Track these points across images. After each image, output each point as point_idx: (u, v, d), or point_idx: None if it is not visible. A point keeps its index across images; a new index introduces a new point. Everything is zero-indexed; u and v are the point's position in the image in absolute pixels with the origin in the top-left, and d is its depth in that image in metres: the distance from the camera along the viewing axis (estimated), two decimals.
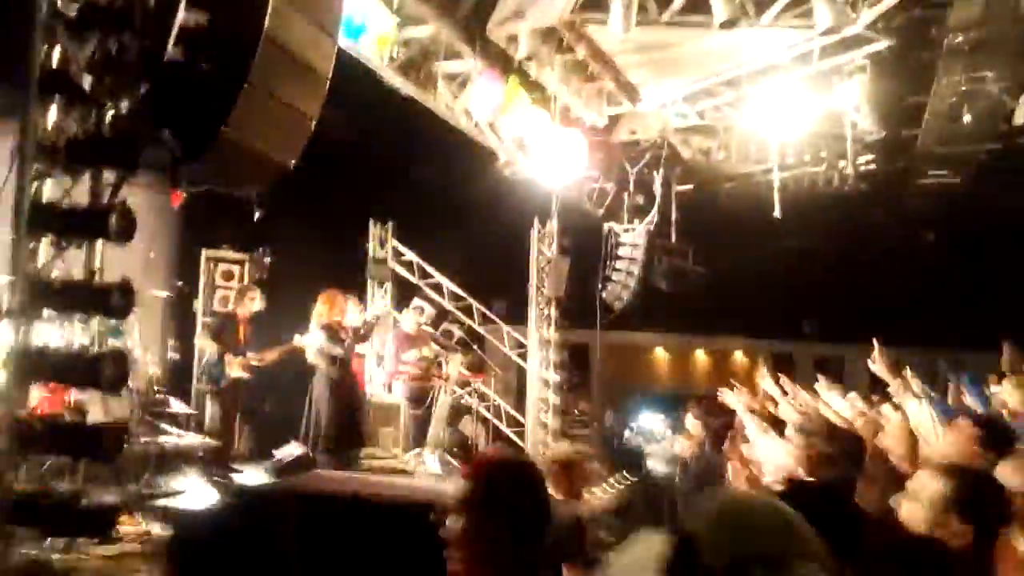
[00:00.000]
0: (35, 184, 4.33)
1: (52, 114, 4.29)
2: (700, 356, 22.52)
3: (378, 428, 9.34)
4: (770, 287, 16.41)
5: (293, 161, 5.01)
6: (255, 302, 8.28)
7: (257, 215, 7.02)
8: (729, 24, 7.36)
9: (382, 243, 11.83)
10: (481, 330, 12.21)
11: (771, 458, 4.88)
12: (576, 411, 13.49)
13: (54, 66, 4.25)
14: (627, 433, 14.13)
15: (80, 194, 4.48)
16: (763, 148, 10.68)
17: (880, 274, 16.14)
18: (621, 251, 12.06)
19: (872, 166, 11.21)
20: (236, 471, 7.93)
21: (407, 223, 11.77)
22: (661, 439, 13.41)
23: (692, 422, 12.48)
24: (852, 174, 10.87)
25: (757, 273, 15.54)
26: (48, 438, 4.33)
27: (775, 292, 16.79)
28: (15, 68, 4.12)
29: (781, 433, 6.89)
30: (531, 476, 2.18)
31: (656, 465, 12.73)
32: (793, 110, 9.23)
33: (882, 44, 8.23)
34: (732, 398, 6.90)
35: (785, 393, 7.17)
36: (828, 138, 10.25)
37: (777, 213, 10.39)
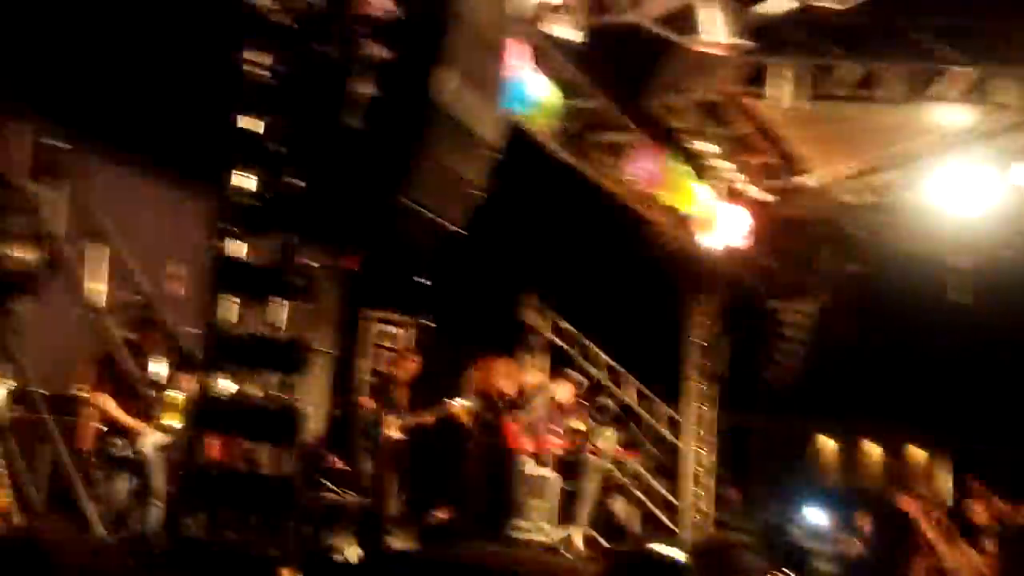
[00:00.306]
0: (226, 243, 4.70)
1: (247, 180, 4.66)
2: (871, 448, 21.04)
3: (527, 500, 9.25)
4: (952, 378, 15.25)
5: (459, 228, 5.19)
6: (415, 365, 8.55)
7: (421, 280, 7.28)
8: (902, 99, 7.14)
9: (540, 312, 11.96)
10: (636, 406, 11.99)
11: (963, 570, 4.47)
12: (735, 499, 12.89)
13: (250, 133, 4.64)
14: (791, 528, 13.29)
15: (265, 254, 4.83)
16: (939, 229, 10.09)
17: None
18: (785, 331, 11.61)
19: None
20: (388, 532, 8.07)
21: (566, 293, 11.85)
22: (827, 537, 12.60)
23: (863, 521, 11.73)
24: None
25: (937, 362, 14.50)
26: (222, 487, 4.57)
27: (959, 384, 15.57)
28: (215, 135, 4.53)
29: (973, 541, 6.30)
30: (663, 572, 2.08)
31: (823, 566, 11.96)
32: (973, 190, 8.69)
33: None
34: (910, 504, 6.42)
35: (973, 497, 6.64)
36: (1017, 220, 9.55)
37: (958, 297, 9.74)
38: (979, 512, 7.45)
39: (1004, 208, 9.01)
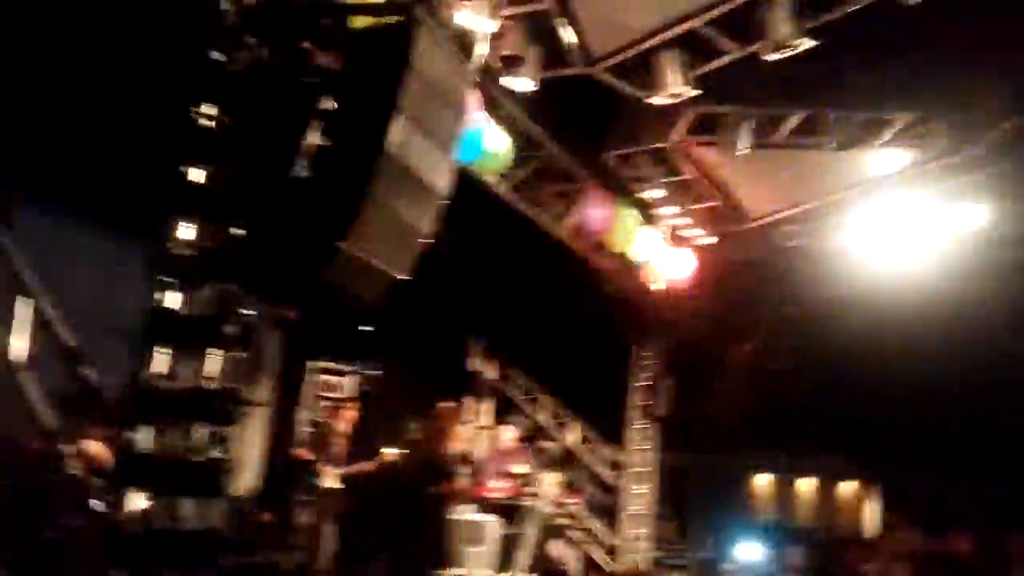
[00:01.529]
0: (162, 295, 4.48)
1: (185, 229, 4.46)
2: (804, 485, 21.36)
3: (466, 546, 9.06)
4: (884, 415, 15.58)
5: (405, 275, 5.06)
6: (354, 415, 8.38)
7: (364, 328, 7.11)
8: (844, 146, 7.28)
9: (485, 357, 11.83)
10: (577, 449, 11.92)
11: None
12: (673, 538, 12.91)
13: (193, 183, 4.45)
14: (728, 566, 13.39)
15: (201, 305, 4.61)
16: (876, 270, 10.32)
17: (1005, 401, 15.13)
18: (726, 372, 11.72)
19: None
20: None
21: (511, 338, 11.76)
22: (761, 572, 12.75)
23: (795, 556, 11.89)
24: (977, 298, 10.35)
25: (870, 401, 14.80)
26: (144, 546, 4.34)
27: (889, 421, 15.91)
28: (156, 187, 4.33)
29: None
30: None
31: None
32: (912, 231, 8.91)
33: (1005, 166, 7.93)
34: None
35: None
36: (953, 261, 9.82)
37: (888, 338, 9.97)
38: (905, 542, 7.61)
39: (937, 249, 9.28)
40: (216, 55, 4.37)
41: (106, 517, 4.37)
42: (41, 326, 4.55)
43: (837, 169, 8.36)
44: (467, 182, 6.57)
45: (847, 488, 21.25)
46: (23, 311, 4.55)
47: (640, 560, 11.26)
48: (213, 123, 4.37)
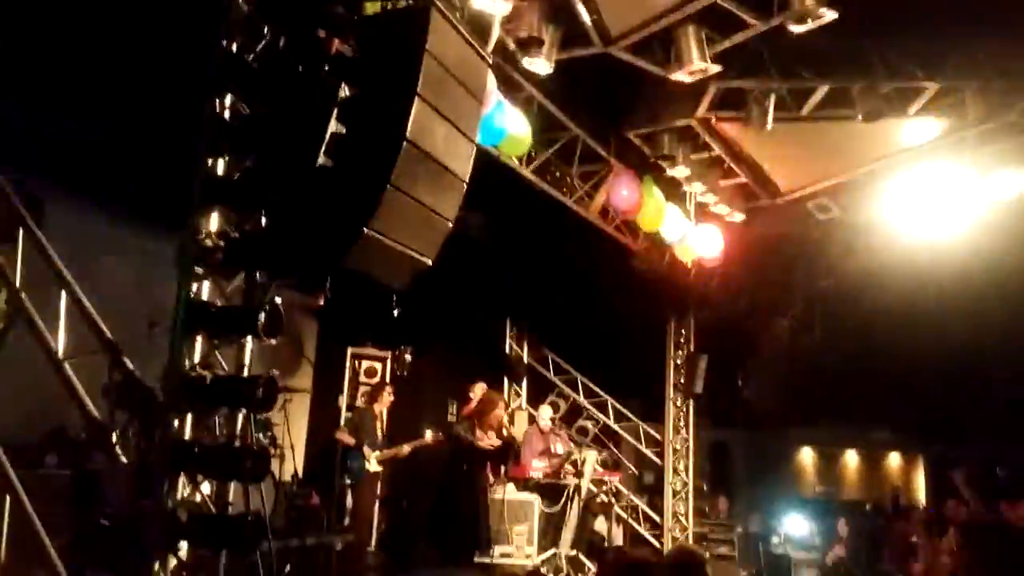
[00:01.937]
0: (194, 286, 4.62)
1: (213, 220, 4.59)
2: (851, 458, 21.18)
3: (511, 526, 9.19)
4: (927, 385, 15.36)
5: (431, 260, 5.13)
6: (390, 398, 8.54)
7: (396, 313, 7.24)
8: (872, 116, 7.18)
9: (518, 340, 11.96)
10: (617, 427, 11.99)
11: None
12: (717, 513, 12.92)
13: (219, 175, 4.57)
14: (774, 539, 13.33)
15: (233, 294, 4.75)
16: (912, 241, 10.18)
17: None
18: (762, 348, 11.66)
19: None
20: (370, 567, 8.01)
21: (543, 320, 11.85)
22: (810, 546, 12.67)
23: (843, 528, 11.80)
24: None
25: (911, 369, 14.60)
26: (191, 530, 4.47)
27: (933, 390, 15.68)
28: (185, 179, 4.46)
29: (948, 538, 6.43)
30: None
31: (805, 573, 12.01)
32: (946, 201, 8.77)
33: None
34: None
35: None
36: (989, 230, 9.64)
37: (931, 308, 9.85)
38: (953, 512, 7.54)
39: (973, 218, 9.12)
40: (233, 45, 4.47)
41: (155, 504, 4.49)
42: (79, 319, 4.69)
43: (868, 141, 8.23)
44: (493, 166, 6.64)
45: (893, 459, 21.04)
46: (61, 304, 4.70)
47: (685, 536, 11.29)
48: (234, 114, 4.47)
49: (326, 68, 4.50)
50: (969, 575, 4.00)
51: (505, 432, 9.08)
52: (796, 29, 5.74)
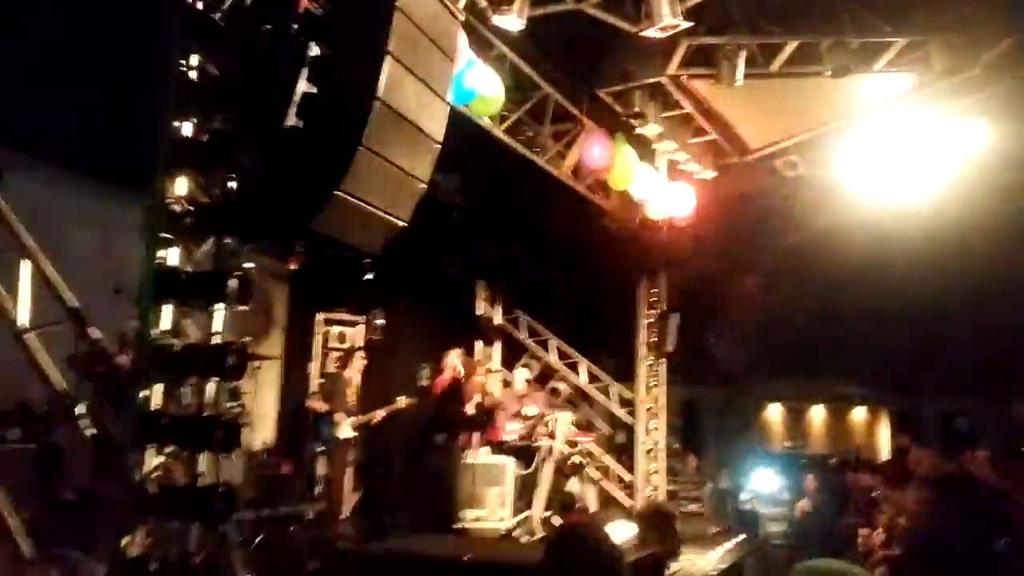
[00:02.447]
0: (162, 252, 4.49)
1: (180, 184, 4.45)
2: (817, 413, 21.58)
3: (485, 489, 9.21)
4: (892, 340, 15.63)
5: (404, 221, 5.06)
6: (363, 363, 8.45)
7: (368, 276, 7.15)
8: (840, 72, 7.18)
9: (491, 302, 11.91)
10: (589, 388, 12.04)
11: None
12: (688, 471, 13.08)
13: (186, 137, 4.43)
14: (743, 495, 13.56)
15: (202, 260, 4.64)
16: (878, 196, 10.28)
17: (1012, 325, 15.17)
18: (731, 306, 11.75)
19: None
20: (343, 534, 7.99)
21: (515, 282, 11.81)
22: (778, 501, 12.89)
23: (811, 483, 12.02)
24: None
25: (876, 325, 14.84)
26: (161, 501, 4.40)
27: (898, 346, 15.97)
28: (149, 141, 4.31)
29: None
30: (599, 544, 2.29)
31: (773, 527, 12.25)
32: (913, 156, 8.84)
33: (1005, 85, 7.83)
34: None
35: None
36: (955, 184, 9.77)
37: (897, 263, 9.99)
38: (915, 463, 7.71)
39: (939, 173, 9.22)
40: (198, 3, 4.31)
41: (123, 475, 4.41)
42: (43, 288, 4.55)
43: (835, 97, 8.27)
44: (464, 125, 6.54)
45: (858, 414, 21.49)
46: (24, 273, 4.56)
47: (657, 494, 11.42)
48: (201, 74, 4.33)
49: (295, 26, 4.37)
50: (931, 524, 4.08)
51: (487, 400, 9.05)
52: None
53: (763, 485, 13.61)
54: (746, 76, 7.07)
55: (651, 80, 7.46)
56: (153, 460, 4.54)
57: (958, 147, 8.54)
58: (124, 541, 4.27)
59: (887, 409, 21.09)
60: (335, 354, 9.30)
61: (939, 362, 17.37)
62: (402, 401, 8.50)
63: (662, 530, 4.26)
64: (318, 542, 7.48)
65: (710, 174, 9.10)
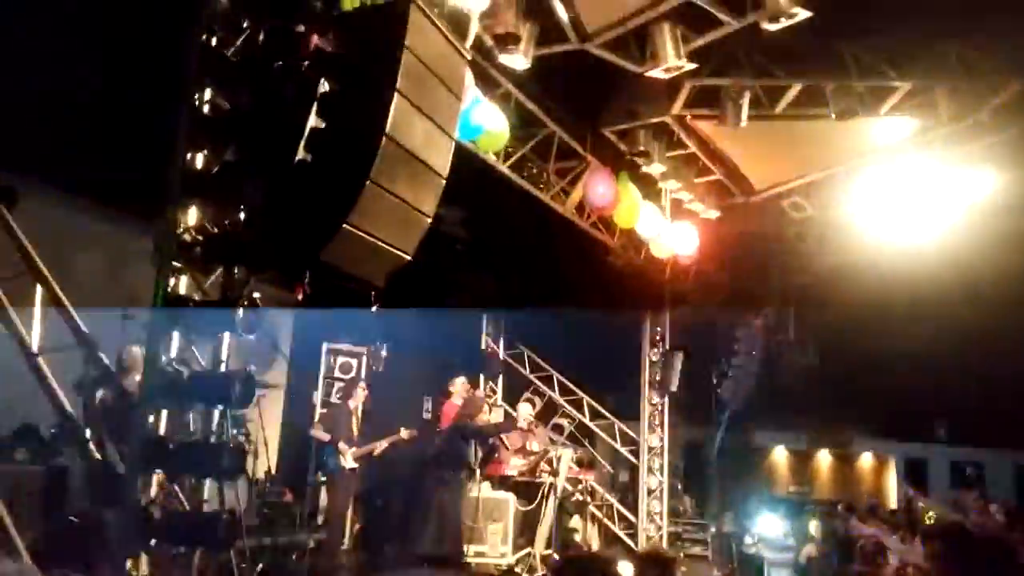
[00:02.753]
0: (171, 280, 4.58)
1: (191, 214, 4.56)
2: (824, 458, 21.40)
3: (486, 524, 9.19)
4: (900, 386, 15.55)
5: (408, 254, 5.13)
6: (365, 394, 8.52)
7: (374, 308, 7.21)
8: (845, 115, 7.27)
9: (495, 337, 11.97)
10: (592, 425, 12.02)
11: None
12: (691, 512, 12.98)
13: (197, 169, 4.54)
14: (747, 539, 13.42)
15: (211, 289, 4.72)
16: (885, 239, 10.31)
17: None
18: (737, 346, 11.75)
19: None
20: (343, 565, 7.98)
21: (520, 317, 11.87)
22: (783, 546, 12.76)
23: (815, 529, 11.90)
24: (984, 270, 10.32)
25: (885, 372, 14.78)
26: (165, 527, 4.44)
27: (906, 392, 15.88)
28: (160, 171, 4.42)
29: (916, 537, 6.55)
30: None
31: (779, 574, 12.10)
32: (917, 199, 8.90)
33: (1010, 132, 7.90)
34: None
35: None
36: (960, 229, 9.80)
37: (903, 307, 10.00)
38: (923, 511, 7.67)
39: (943, 218, 9.26)
40: (212, 39, 4.44)
41: (128, 500, 4.45)
42: (53, 311, 4.64)
43: (840, 139, 8.34)
44: (470, 161, 6.65)
45: (865, 460, 21.29)
46: (36, 298, 4.65)
47: (659, 535, 11.35)
48: (213, 108, 4.45)
49: (305, 63, 4.49)
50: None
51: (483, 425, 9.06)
52: (770, 27, 5.81)
53: (768, 529, 13.47)
54: (750, 118, 7.17)
55: (655, 120, 7.57)
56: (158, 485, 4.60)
57: (963, 192, 8.60)
58: (128, 565, 4.31)
59: (894, 456, 20.89)
60: (338, 384, 9.36)
61: (948, 409, 17.24)
62: (404, 432, 8.54)
63: (661, 568, 4.25)
64: (318, 572, 7.48)
65: (714, 214, 9.17)
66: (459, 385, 9.09)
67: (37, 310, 4.65)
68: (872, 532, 7.94)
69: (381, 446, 8.48)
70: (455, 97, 5.09)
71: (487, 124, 6.49)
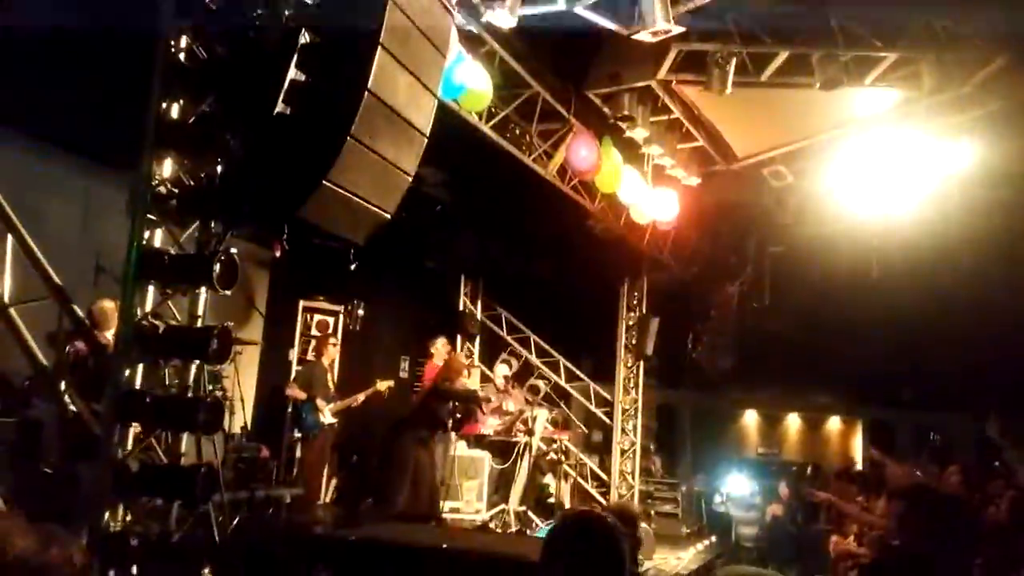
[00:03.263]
0: (146, 233, 4.51)
1: (167, 166, 4.47)
2: (793, 421, 21.75)
3: (462, 481, 9.29)
4: (870, 352, 15.78)
5: (389, 213, 5.08)
6: (335, 350, 8.54)
7: (352, 267, 7.16)
8: (830, 84, 7.24)
9: (472, 297, 11.98)
10: (568, 387, 12.13)
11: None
12: (662, 472, 13.21)
13: (173, 119, 4.44)
14: (716, 498, 13.70)
15: (186, 243, 4.66)
16: (862, 209, 10.37)
17: (989, 340, 15.33)
18: (712, 312, 11.85)
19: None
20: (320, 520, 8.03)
21: (497, 279, 11.88)
22: (750, 505, 13.04)
23: (784, 490, 12.14)
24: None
25: (855, 337, 14.97)
26: (142, 480, 4.43)
27: (874, 358, 16.12)
28: (134, 121, 4.32)
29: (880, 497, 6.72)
30: (604, 531, 2.27)
31: (744, 530, 12.39)
32: (897, 170, 8.94)
33: (993, 106, 7.93)
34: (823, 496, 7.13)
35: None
36: (937, 201, 9.87)
37: (875, 274, 10.09)
38: (891, 476, 7.84)
39: (924, 188, 9.32)
40: None
41: (104, 452, 4.43)
42: (27, 264, 4.56)
43: (824, 108, 8.32)
44: (451, 120, 6.57)
45: (833, 423, 21.67)
46: (9, 249, 4.56)
47: (630, 493, 11.53)
48: (190, 57, 4.34)
49: (286, 12, 4.39)
50: (900, 535, 4.14)
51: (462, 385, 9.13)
52: None
53: (736, 489, 13.75)
54: (735, 84, 7.11)
55: (641, 84, 7.50)
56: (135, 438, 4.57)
57: (942, 164, 8.64)
58: (104, 517, 4.30)
59: (862, 420, 21.26)
60: (313, 341, 9.37)
61: (915, 375, 17.54)
62: (380, 384, 8.59)
63: (625, 522, 4.29)
64: (295, 526, 7.52)
65: (695, 180, 9.16)
66: (439, 345, 9.12)
67: (8, 261, 4.56)
68: (826, 496, 8.16)
69: (358, 400, 8.53)
70: (440, 54, 5.01)
71: (470, 83, 6.40)
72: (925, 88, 7.60)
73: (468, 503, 9.18)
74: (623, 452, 11.74)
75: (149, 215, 4.48)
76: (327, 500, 8.96)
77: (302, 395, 8.29)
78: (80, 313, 4.91)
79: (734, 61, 7.03)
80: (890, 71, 7.41)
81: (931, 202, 9.58)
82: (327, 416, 8.25)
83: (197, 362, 4.65)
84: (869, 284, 10.80)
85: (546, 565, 2.23)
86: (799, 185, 9.96)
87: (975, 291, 12.86)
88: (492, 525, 8.82)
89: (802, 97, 7.87)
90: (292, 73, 4.33)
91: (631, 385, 11.79)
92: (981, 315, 13.45)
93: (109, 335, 5.41)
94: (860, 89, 7.66)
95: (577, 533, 2.26)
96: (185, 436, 4.75)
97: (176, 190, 4.51)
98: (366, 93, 4.43)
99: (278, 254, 7.77)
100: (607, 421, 11.92)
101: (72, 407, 4.86)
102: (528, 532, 8.73)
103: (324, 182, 4.48)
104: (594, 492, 11.70)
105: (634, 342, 11.68)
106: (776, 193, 10.42)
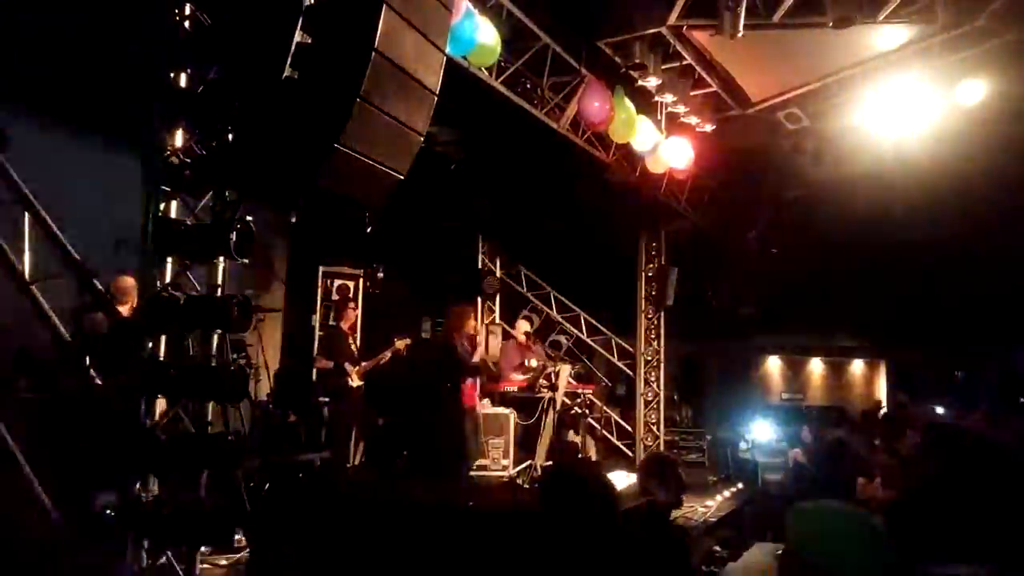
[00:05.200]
0: (161, 204, 4.52)
1: (178, 136, 4.46)
2: (816, 365, 21.71)
3: (487, 439, 9.36)
4: (891, 292, 15.67)
5: (402, 174, 5.05)
6: (355, 314, 8.61)
7: (369, 229, 7.17)
8: (842, 22, 7.10)
9: (491, 256, 11.98)
10: (590, 341, 12.15)
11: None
12: (687, 422, 13.25)
13: (180, 88, 4.42)
14: (742, 445, 13.73)
15: (202, 213, 4.66)
16: (879, 149, 10.23)
17: (1012, 277, 15.18)
18: (732, 259, 11.79)
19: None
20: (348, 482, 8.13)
21: (515, 236, 11.85)
22: (775, 451, 13.06)
23: (807, 435, 12.16)
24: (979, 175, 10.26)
25: (876, 278, 14.86)
26: (171, 449, 4.49)
27: (897, 298, 16.01)
28: (144, 91, 4.30)
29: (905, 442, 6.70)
30: (589, 480, 2.36)
31: (772, 478, 12.43)
32: (913, 108, 8.79)
33: (1009, 36, 7.75)
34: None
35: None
36: (954, 137, 9.71)
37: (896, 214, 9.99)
38: (911, 416, 7.86)
39: (939, 126, 9.17)
40: None
41: (132, 424, 4.48)
42: (46, 240, 4.59)
43: (837, 48, 8.16)
44: (461, 77, 6.50)
45: (856, 366, 21.61)
46: (27, 226, 4.59)
47: (656, 444, 11.60)
48: (194, 24, 4.30)
49: None
50: (924, 468, 4.14)
51: (478, 347, 9.10)
52: None
53: (762, 435, 13.77)
54: (747, 27, 6.97)
55: (652, 30, 7.37)
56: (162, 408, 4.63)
57: (957, 99, 8.48)
58: (136, 487, 4.38)
59: (885, 362, 21.18)
60: (332, 306, 9.42)
61: (937, 315, 17.43)
62: (399, 342, 8.64)
63: (664, 478, 4.25)
64: (326, 489, 7.62)
65: (710, 127, 9.04)
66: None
67: (27, 239, 4.59)
68: (864, 435, 8.14)
69: (385, 357, 8.60)
70: (446, 9, 4.94)
71: (478, 37, 6.31)
72: (939, 22, 7.43)
73: (495, 460, 9.26)
74: (647, 403, 11.79)
75: (163, 187, 4.48)
76: (357, 462, 9.06)
77: (329, 364, 8.39)
78: (100, 287, 4.94)
79: (744, 3, 6.89)
80: (903, 7, 7.23)
81: (949, 139, 9.42)
82: (354, 379, 8.34)
83: (219, 331, 4.67)
84: (888, 224, 10.67)
85: (545, 516, 2.31)
86: (815, 127, 9.82)
87: (996, 228, 12.71)
88: (519, 481, 8.90)
89: (815, 37, 7.71)
90: (297, 36, 4.29)
91: (653, 336, 11.79)
92: (1003, 252, 13.31)
93: (128, 310, 5.46)
94: (873, 27, 7.50)
95: (560, 484, 2.32)
96: (211, 405, 4.80)
97: (188, 160, 4.49)
98: (373, 53, 4.39)
99: (294, 220, 7.80)
100: (630, 373, 11.95)
101: (99, 381, 4.92)
102: None
103: (337, 146, 4.46)
104: (620, 444, 11.78)
105: (654, 293, 11.65)
106: (792, 136, 10.28)
